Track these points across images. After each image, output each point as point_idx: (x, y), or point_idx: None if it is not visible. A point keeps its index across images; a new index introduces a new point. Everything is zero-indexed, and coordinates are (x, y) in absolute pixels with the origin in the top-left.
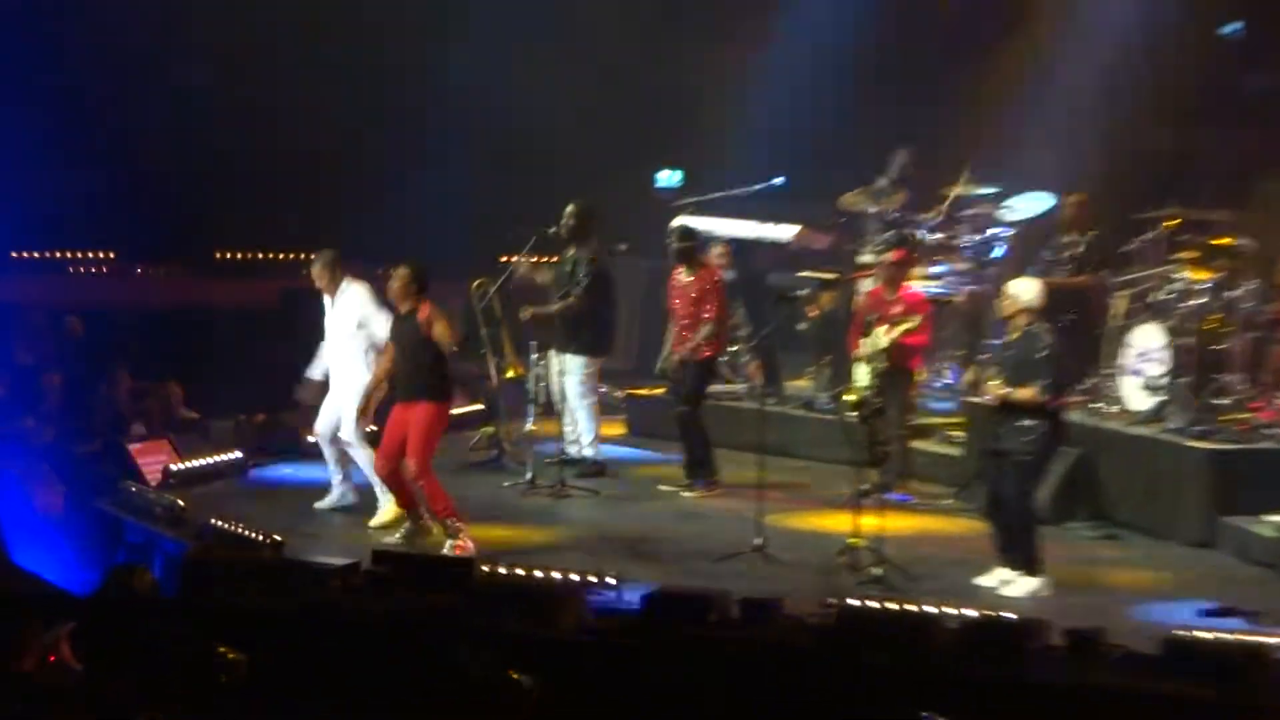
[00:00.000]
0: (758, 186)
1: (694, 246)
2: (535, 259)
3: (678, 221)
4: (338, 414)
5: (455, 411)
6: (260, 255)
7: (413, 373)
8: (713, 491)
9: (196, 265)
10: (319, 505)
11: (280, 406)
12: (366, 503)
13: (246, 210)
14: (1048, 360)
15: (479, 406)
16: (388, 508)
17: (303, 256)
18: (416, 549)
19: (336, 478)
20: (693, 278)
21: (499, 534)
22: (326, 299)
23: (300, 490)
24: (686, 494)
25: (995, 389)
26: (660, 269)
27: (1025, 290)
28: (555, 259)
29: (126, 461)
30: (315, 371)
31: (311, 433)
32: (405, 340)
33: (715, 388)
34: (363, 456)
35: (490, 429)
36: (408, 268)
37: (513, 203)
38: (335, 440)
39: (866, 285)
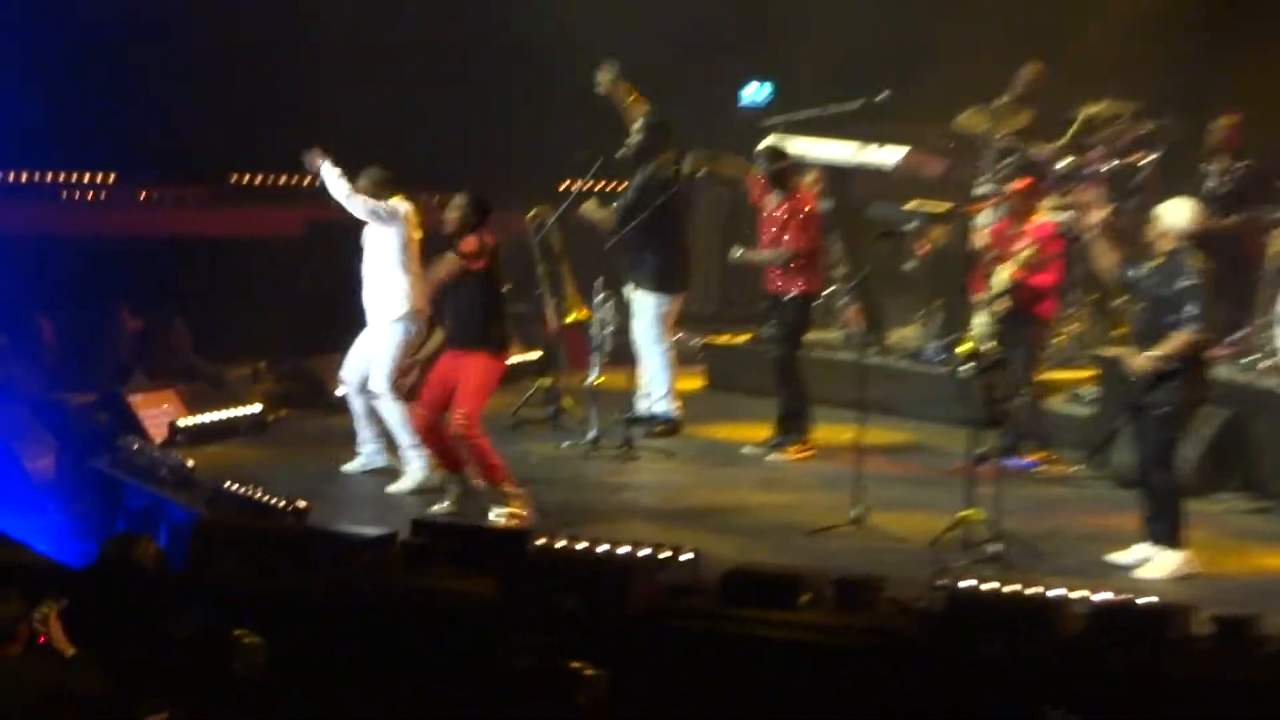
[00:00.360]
0: (858, 103)
1: (785, 169)
2: (597, 187)
3: (766, 143)
4: (368, 359)
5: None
6: (284, 180)
7: (466, 316)
8: (803, 453)
9: (209, 190)
10: (347, 468)
11: (305, 351)
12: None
13: (269, 127)
14: (1195, 291)
15: (534, 355)
16: (415, 470)
17: None
18: (462, 519)
19: (367, 435)
20: (781, 204)
21: (556, 502)
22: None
23: (328, 449)
24: (773, 455)
25: (1134, 358)
26: (742, 198)
27: (1175, 212)
28: (624, 187)
29: (127, 415)
30: None
31: (339, 382)
32: (459, 281)
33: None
34: (394, 411)
35: (547, 381)
36: (465, 196)
37: (571, 124)
38: (365, 391)
39: (986, 219)
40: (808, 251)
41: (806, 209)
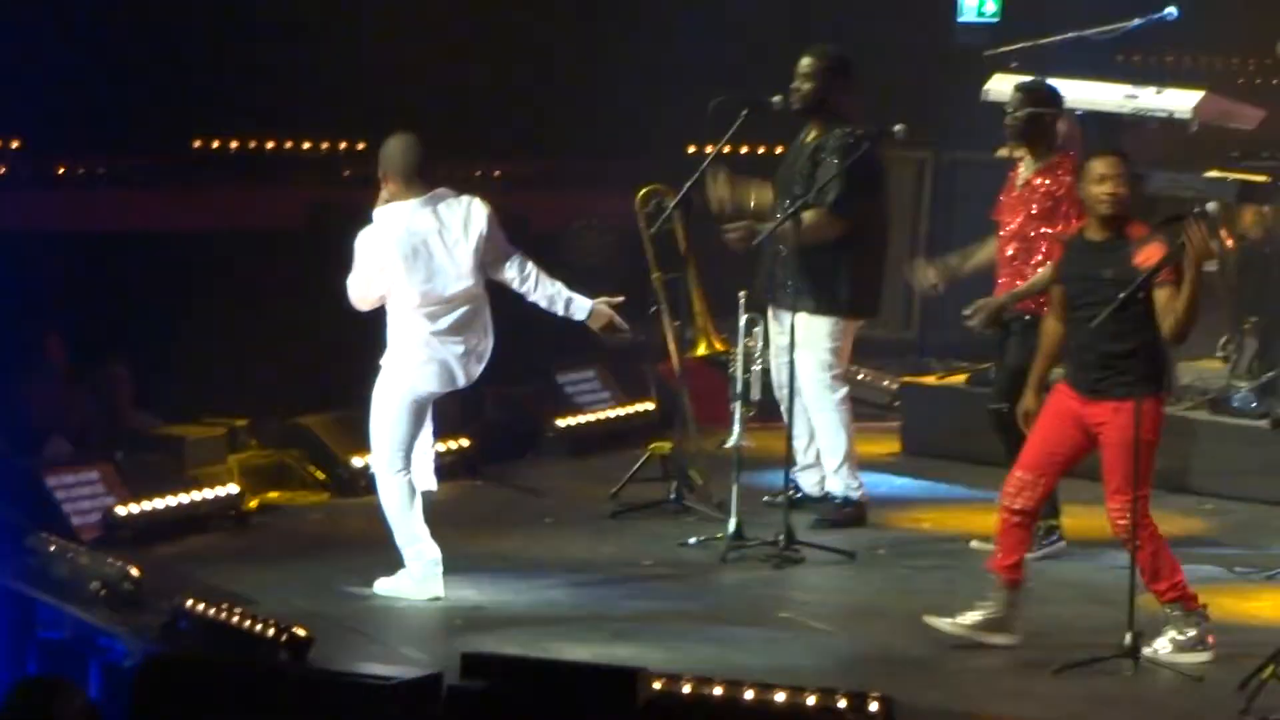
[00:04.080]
0: (1135, 23)
1: (1048, 118)
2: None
3: (1001, 81)
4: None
5: (607, 414)
6: (271, 146)
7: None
8: (1054, 548)
9: (161, 162)
10: (382, 586)
11: (306, 405)
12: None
13: (248, 71)
14: None
15: (647, 406)
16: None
17: (344, 147)
18: (540, 652)
19: (409, 535)
20: (1039, 176)
21: (679, 625)
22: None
23: (339, 550)
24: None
25: None
26: (962, 167)
27: None
28: (780, 152)
29: (42, 501)
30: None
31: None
32: None
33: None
34: (400, 493)
35: (665, 445)
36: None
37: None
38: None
39: None
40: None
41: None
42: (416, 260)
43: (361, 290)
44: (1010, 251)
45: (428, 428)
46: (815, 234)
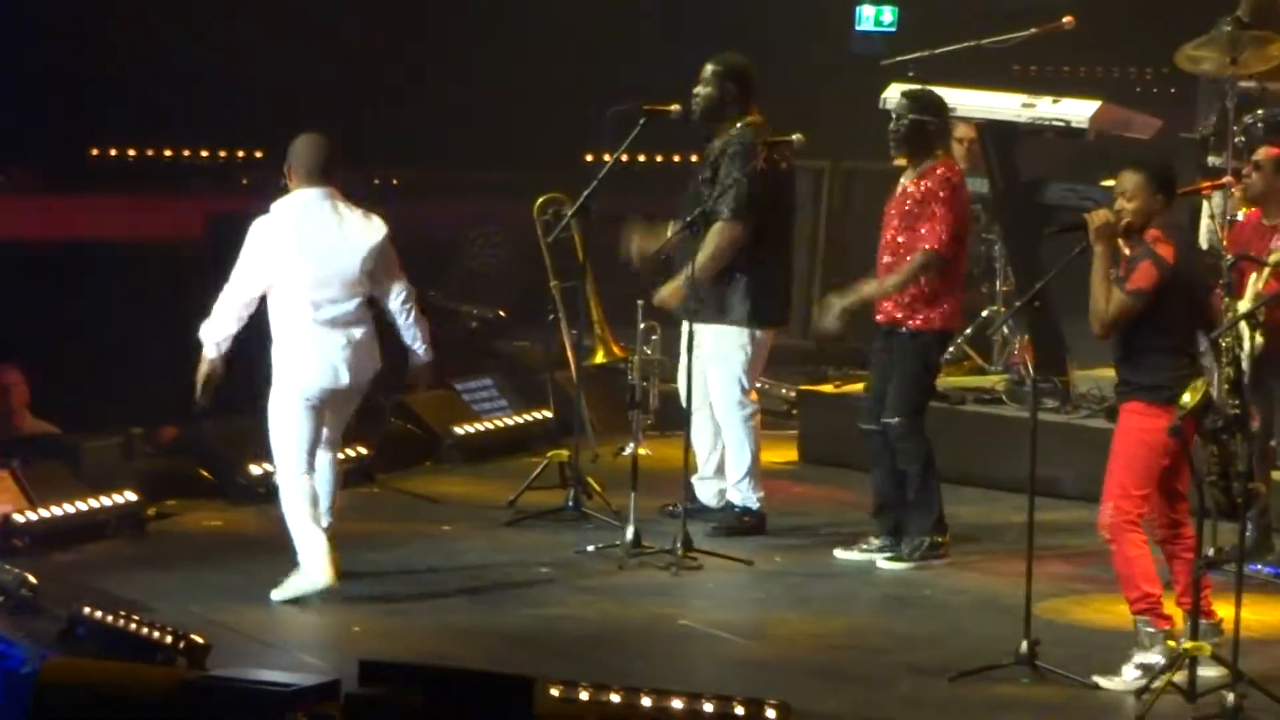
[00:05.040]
0: (1026, 33)
1: (930, 127)
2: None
3: (898, 90)
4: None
5: (504, 422)
6: (169, 154)
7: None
8: (936, 560)
9: (58, 170)
10: (279, 593)
11: (205, 411)
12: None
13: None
14: None
15: (545, 414)
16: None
17: (241, 155)
18: (438, 657)
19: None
20: (913, 183)
21: (577, 633)
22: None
23: (241, 555)
24: (889, 564)
25: None
26: (860, 177)
27: None
28: (678, 160)
29: None
30: None
31: (260, 457)
32: None
33: (954, 379)
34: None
35: (563, 453)
36: None
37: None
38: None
39: (1220, 207)
40: (952, 253)
41: (950, 183)
42: (310, 245)
43: (244, 284)
44: (886, 259)
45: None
46: (718, 246)
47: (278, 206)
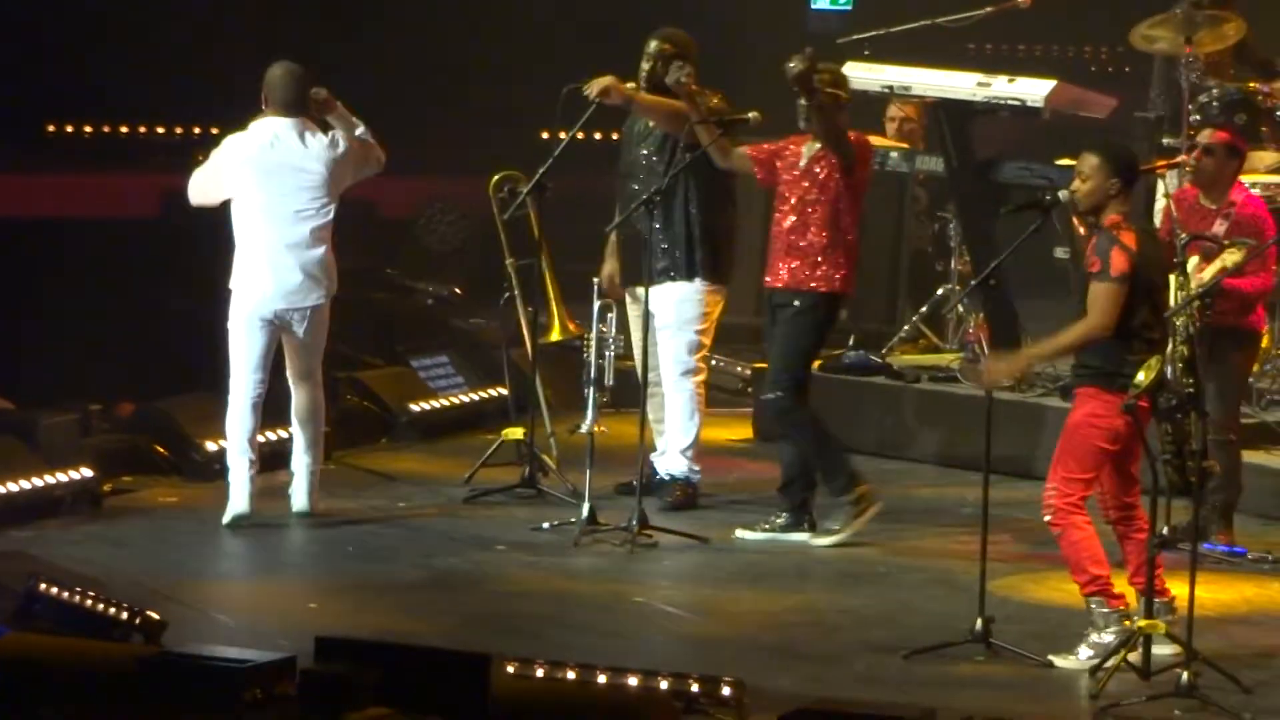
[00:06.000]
0: (982, 11)
1: (826, 98)
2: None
3: (865, 69)
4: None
5: (460, 399)
6: (125, 130)
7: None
8: (868, 516)
9: (14, 146)
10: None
11: (160, 389)
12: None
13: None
14: None
15: (501, 391)
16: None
17: (197, 132)
18: (395, 634)
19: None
20: (818, 161)
21: (533, 611)
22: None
23: (197, 531)
24: (823, 539)
25: None
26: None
27: None
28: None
29: None
30: None
31: (217, 434)
32: None
33: (909, 357)
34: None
35: (518, 431)
36: None
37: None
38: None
39: (1170, 184)
40: (849, 224)
41: (862, 151)
42: (272, 171)
43: (204, 184)
44: (787, 224)
45: (303, 446)
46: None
47: (253, 128)
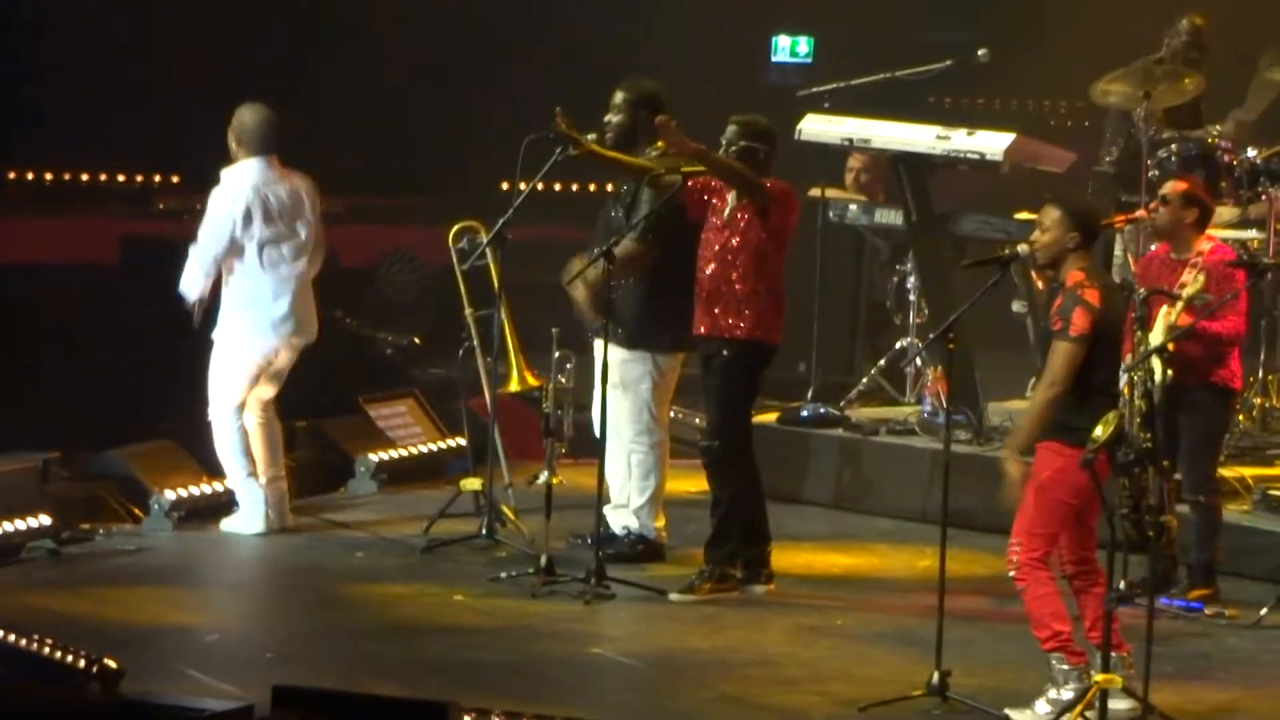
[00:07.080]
0: (942, 65)
1: (762, 153)
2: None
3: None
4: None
5: (419, 449)
6: (85, 178)
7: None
8: (725, 594)
9: None
10: (226, 524)
11: (119, 437)
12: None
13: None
14: None
15: (459, 441)
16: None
17: (157, 179)
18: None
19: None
20: (741, 210)
21: (492, 661)
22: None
23: (155, 579)
24: (680, 596)
25: None
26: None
27: None
28: (594, 189)
29: None
30: None
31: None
32: None
33: (870, 412)
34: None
35: (476, 480)
36: None
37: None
38: None
39: (1129, 239)
40: (773, 272)
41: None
42: (272, 208)
43: (213, 243)
44: (709, 271)
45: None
46: (625, 263)
47: (235, 173)
